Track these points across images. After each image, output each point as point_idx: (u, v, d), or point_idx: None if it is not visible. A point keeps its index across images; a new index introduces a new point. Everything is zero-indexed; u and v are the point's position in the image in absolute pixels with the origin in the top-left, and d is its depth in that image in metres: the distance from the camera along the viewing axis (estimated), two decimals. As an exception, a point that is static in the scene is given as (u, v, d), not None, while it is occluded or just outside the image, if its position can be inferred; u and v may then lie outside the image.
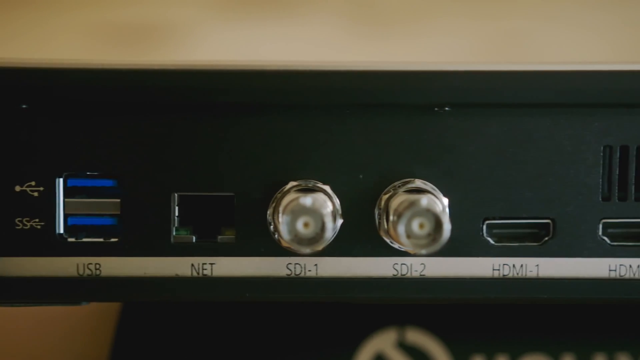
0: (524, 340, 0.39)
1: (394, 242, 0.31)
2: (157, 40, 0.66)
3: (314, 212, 0.29)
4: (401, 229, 0.29)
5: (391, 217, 0.30)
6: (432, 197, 0.31)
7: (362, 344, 0.39)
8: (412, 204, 0.30)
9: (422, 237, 0.29)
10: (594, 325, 0.39)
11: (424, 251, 0.29)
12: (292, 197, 0.30)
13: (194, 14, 0.65)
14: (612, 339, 0.38)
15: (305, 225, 0.29)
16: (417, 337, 0.39)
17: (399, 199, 0.31)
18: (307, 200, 0.29)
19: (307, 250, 0.29)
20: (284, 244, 0.29)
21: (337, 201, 0.32)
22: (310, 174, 0.32)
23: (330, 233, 0.29)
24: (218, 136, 0.32)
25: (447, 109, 0.31)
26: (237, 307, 0.39)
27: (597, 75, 0.31)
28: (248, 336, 0.39)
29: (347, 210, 0.32)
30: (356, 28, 0.64)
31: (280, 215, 0.30)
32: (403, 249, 0.30)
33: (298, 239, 0.29)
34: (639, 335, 0.39)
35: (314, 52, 0.64)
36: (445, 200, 0.32)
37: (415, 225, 0.29)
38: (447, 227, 0.29)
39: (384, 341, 0.39)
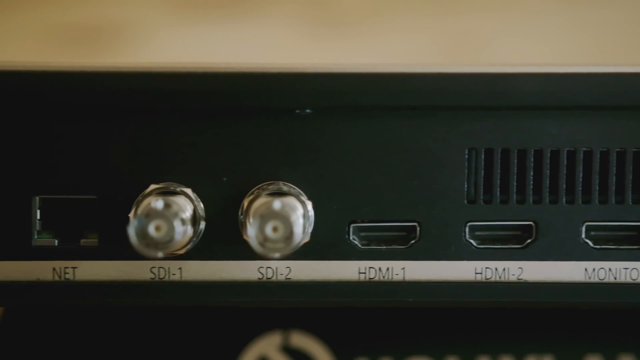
0: (408, 342, 0.38)
1: (256, 246, 0.31)
2: (107, 41, 0.65)
3: (166, 216, 0.29)
4: (252, 232, 0.29)
5: (250, 220, 0.30)
6: (293, 200, 0.31)
7: (246, 348, 0.39)
8: (266, 207, 0.29)
9: (277, 240, 0.29)
10: (503, 327, 0.39)
11: (277, 255, 0.29)
12: (149, 200, 0.30)
13: (149, 15, 0.65)
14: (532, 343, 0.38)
15: (157, 228, 0.29)
16: (302, 341, 0.39)
17: (258, 202, 0.30)
18: (158, 203, 0.29)
19: (159, 254, 0.29)
20: (135, 247, 0.29)
21: (200, 204, 0.31)
22: (174, 176, 0.32)
23: (180, 236, 0.29)
24: (80, 138, 0.31)
25: (308, 111, 0.31)
26: (119, 310, 0.39)
27: (460, 77, 0.31)
28: (128, 339, 0.38)
29: (211, 214, 0.32)
30: (310, 29, 0.64)
31: (134, 218, 0.29)
32: (257, 252, 0.29)
33: (148, 242, 0.29)
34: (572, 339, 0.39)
35: (263, 54, 0.63)
36: (309, 204, 0.32)
37: (269, 229, 0.29)
38: (298, 230, 0.29)
39: (268, 345, 0.39)
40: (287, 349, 0.39)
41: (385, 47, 0.64)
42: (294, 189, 0.32)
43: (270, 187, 0.31)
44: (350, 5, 0.64)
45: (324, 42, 0.64)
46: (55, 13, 0.65)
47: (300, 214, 0.31)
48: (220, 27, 0.65)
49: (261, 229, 0.29)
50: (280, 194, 0.31)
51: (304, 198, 0.32)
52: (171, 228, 0.29)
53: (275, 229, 0.29)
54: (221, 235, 0.32)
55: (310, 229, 0.32)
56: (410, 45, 0.64)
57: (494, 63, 0.32)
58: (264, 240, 0.29)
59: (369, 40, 0.64)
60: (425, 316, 0.38)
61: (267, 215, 0.29)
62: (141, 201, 0.31)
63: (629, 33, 0.64)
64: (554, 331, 0.39)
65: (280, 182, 0.32)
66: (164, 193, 0.31)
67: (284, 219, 0.29)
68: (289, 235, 0.29)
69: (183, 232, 0.29)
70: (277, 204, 0.29)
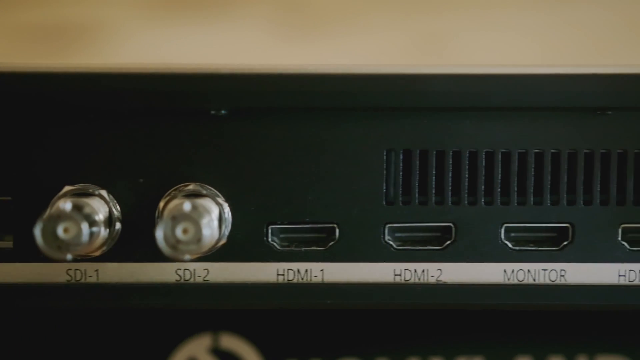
0: (337, 343, 0.38)
1: (170, 248, 0.30)
2: (69, 41, 0.65)
3: (74, 218, 0.29)
4: (160, 233, 0.29)
5: (160, 222, 0.30)
6: (209, 201, 0.31)
7: (176, 350, 0.38)
8: (176, 208, 0.29)
9: (187, 242, 0.29)
10: (433, 327, 0.39)
11: (187, 257, 0.29)
12: (59, 202, 0.30)
13: (121, 15, 0.65)
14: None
15: (65, 230, 0.29)
16: (231, 343, 0.38)
17: (172, 204, 0.30)
18: (66, 205, 0.29)
19: (69, 257, 0.29)
20: (41, 249, 0.29)
21: (116, 206, 0.31)
22: (90, 178, 0.31)
23: (90, 238, 0.29)
24: (-6, 140, 0.31)
25: (223, 112, 0.31)
26: (50, 311, 0.38)
27: (376, 78, 0.31)
28: (58, 342, 0.38)
29: (128, 215, 0.31)
30: (282, 30, 0.64)
31: (42, 220, 0.29)
32: (165, 254, 0.29)
33: (58, 244, 0.29)
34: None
35: (234, 55, 0.63)
36: (226, 205, 0.31)
37: (179, 231, 0.29)
38: (207, 233, 0.29)
39: (198, 347, 0.38)
40: (216, 350, 0.39)
41: (356, 47, 0.64)
42: (210, 190, 0.31)
43: (187, 188, 0.31)
44: (322, 6, 0.64)
45: (295, 43, 0.64)
46: (22, 14, 0.65)
47: (215, 216, 0.30)
48: (192, 28, 0.64)
49: (171, 230, 0.29)
50: (196, 195, 0.31)
51: (220, 199, 0.31)
52: (80, 230, 0.29)
53: (185, 231, 0.29)
54: (139, 237, 0.32)
55: (227, 231, 0.31)
56: (382, 45, 0.64)
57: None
58: (175, 242, 0.29)
59: (341, 41, 0.64)
60: (354, 317, 0.38)
61: (178, 217, 0.29)
62: (55, 203, 0.30)
63: (601, 33, 0.64)
64: (484, 332, 0.38)
65: (197, 184, 0.31)
66: (77, 194, 0.31)
67: (194, 220, 0.29)
68: (199, 237, 0.29)
69: (94, 234, 0.29)
70: (186, 205, 0.29)
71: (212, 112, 0.31)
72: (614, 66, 0.31)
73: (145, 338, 0.38)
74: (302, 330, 0.38)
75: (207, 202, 0.30)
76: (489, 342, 0.38)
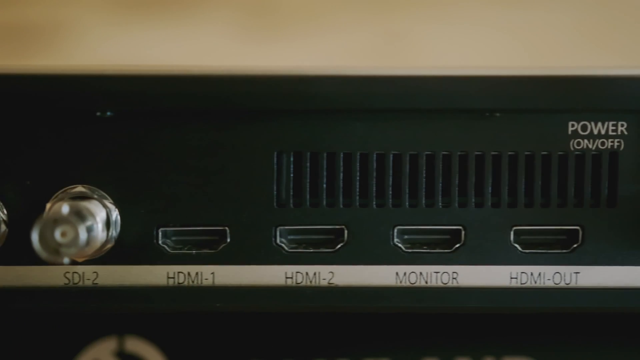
0: (242, 347, 0.38)
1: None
2: (37, 41, 0.64)
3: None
4: (35, 236, 0.28)
5: (39, 225, 0.29)
6: (95, 204, 0.30)
7: (80, 353, 0.38)
8: (55, 211, 0.29)
9: (66, 245, 0.29)
10: (339, 330, 0.39)
11: (66, 260, 0.28)
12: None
13: (83, 15, 0.64)
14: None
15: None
16: (137, 346, 0.38)
17: (55, 207, 0.30)
18: None
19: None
20: None
21: (2, 209, 0.31)
22: (-24, 180, 0.31)
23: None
24: None
25: (109, 114, 0.31)
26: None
27: (265, 80, 0.31)
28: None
29: (15, 218, 0.31)
30: (246, 31, 0.64)
31: None
32: (40, 256, 0.29)
33: None
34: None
35: (198, 56, 0.63)
36: (114, 208, 0.31)
37: (57, 234, 0.29)
38: (83, 236, 0.28)
39: (103, 350, 0.38)
40: (121, 354, 0.38)
41: (321, 47, 0.64)
42: (98, 192, 0.31)
43: (73, 190, 0.31)
44: (287, 7, 0.64)
45: (259, 45, 0.64)
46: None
47: (101, 219, 0.30)
48: (155, 29, 0.64)
49: (51, 233, 0.28)
50: (83, 198, 0.31)
51: (108, 202, 0.31)
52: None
53: (63, 234, 0.28)
54: (26, 240, 0.31)
55: (115, 234, 0.31)
56: (346, 46, 0.64)
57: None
58: (55, 245, 0.28)
59: (303, 42, 0.64)
60: (258, 320, 0.38)
61: (57, 219, 0.29)
62: None
63: (563, 34, 0.64)
64: (391, 334, 0.38)
65: (85, 186, 0.31)
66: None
67: (72, 224, 0.28)
68: (78, 240, 0.28)
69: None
70: (64, 208, 0.28)
71: (98, 113, 0.31)
72: (500, 68, 0.31)
73: (50, 341, 0.38)
74: (207, 333, 0.38)
75: (92, 205, 0.30)
76: (395, 343, 0.38)
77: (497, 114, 0.31)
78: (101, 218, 0.30)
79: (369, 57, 0.64)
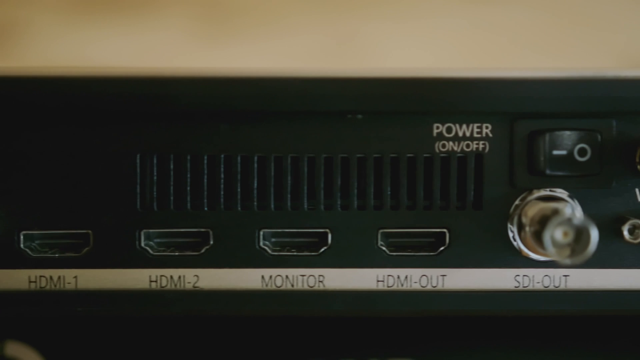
0: (123, 350, 0.38)
1: None
2: None
3: None
4: None
5: None
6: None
7: (-43, 358, 0.38)
8: None
9: None
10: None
11: None
12: None
13: (35, 15, 0.63)
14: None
15: None
16: (16, 350, 0.38)
17: None
18: None
19: None
20: None
21: None
22: None
23: None
24: None
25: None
26: None
27: (122, 82, 0.31)
28: None
29: None
30: (201, 33, 0.63)
31: None
32: None
33: None
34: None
35: (150, 57, 0.63)
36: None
37: None
38: None
39: (-19, 355, 0.38)
40: (2, 358, 0.38)
41: (276, 49, 0.64)
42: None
43: None
44: (243, 8, 0.64)
45: (211, 46, 0.63)
46: None
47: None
48: (112, 29, 0.63)
49: None
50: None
51: (-33, 206, 0.31)
52: None
53: None
54: None
55: (-27, 238, 0.31)
56: (300, 47, 0.64)
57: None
58: None
59: (261, 44, 0.64)
60: (135, 323, 0.38)
61: None
62: None
63: (524, 35, 0.65)
64: (276, 337, 0.38)
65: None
66: None
67: None
68: None
69: None
70: None
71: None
72: (362, 70, 0.30)
73: None
74: (90, 337, 0.38)
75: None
76: (280, 346, 0.38)
77: (359, 116, 0.31)
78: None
79: (319, 59, 0.64)
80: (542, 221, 0.29)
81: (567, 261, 0.29)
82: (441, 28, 0.64)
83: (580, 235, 0.28)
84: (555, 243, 0.29)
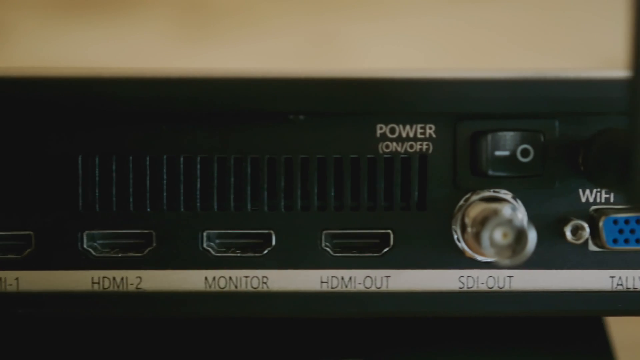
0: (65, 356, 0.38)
1: None
2: None
3: None
4: None
5: None
6: None
7: None
8: None
9: None
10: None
11: None
12: None
13: (19, 17, 0.63)
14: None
15: None
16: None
17: None
18: None
19: None
20: None
21: None
22: None
23: None
24: None
25: None
26: None
27: (65, 82, 0.30)
28: None
29: None
30: (182, 34, 0.63)
31: None
32: None
33: None
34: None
35: (131, 58, 0.62)
36: None
37: None
38: None
39: None
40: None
41: (257, 50, 0.64)
42: None
43: None
44: (225, 10, 0.64)
45: (191, 47, 0.63)
46: None
47: None
48: (94, 32, 0.63)
49: None
50: None
51: None
52: None
53: None
54: None
55: None
56: (281, 49, 0.64)
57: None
58: None
59: (242, 46, 0.64)
60: (96, 325, 0.37)
61: None
62: None
63: (503, 35, 0.65)
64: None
65: None
66: None
67: None
68: None
69: None
70: None
71: None
72: (301, 71, 0.30)
73: None
74: (31, 340, 0.38)
75: None
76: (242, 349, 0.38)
77: (301, 117, 0.31)
78: None
79: (299, 60, 0.64)
80: (484, 222, 0.29)
81: (507, 262, 0.29)
82: (423, 27, 0.64)
83: (520, 236, 0.28)
84: (494, 244, 0.29)
